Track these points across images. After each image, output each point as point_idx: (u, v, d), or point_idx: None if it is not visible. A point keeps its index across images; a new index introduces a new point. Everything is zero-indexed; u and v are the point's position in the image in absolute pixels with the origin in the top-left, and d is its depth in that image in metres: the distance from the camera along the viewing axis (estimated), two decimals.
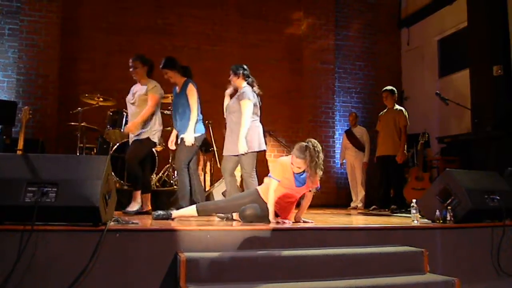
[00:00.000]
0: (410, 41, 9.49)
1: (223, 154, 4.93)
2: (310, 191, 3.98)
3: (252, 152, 4.72)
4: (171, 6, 8.43)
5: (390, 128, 6.54)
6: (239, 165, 4.83)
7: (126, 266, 2.91)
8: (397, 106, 6.72)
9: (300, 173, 3.84)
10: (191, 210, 4.02)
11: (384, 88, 6.83)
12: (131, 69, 5.00)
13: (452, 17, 8.29)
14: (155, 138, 4.98)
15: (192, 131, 4.86)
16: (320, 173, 3.84)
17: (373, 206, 6.84)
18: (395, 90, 6.77)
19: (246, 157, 4.69)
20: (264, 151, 5.18)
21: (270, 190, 3.82)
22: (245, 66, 5.17)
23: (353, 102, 9.31)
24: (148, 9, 8.31)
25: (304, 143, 3.78)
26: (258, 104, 5.04)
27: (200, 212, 3.99)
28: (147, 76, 5.04)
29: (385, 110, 6.80)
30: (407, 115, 6.54)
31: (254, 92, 5.01)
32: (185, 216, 4.02)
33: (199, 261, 2.85)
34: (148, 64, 5.05)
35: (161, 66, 5.04)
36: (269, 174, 3.94)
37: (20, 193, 2.79)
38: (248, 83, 5.04)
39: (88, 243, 2.81)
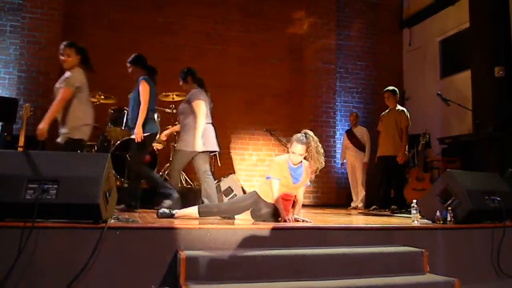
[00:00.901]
0: (412, 41, 9.48)
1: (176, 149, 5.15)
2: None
3: (205, 151, 4.99)
4: (173, 5, 8.43)
5: (392, 129, 6.53)
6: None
7: (126, 263, 2.91)
8: (399, 107, 6.71)
9: (296, 166, 3.93)
10: (194, 211, 4.04)
11: (386, 88, 6.82)
12: (62, 57, 4.50)
13: (454, 18, 8.28)
14: (77, 135, 4.46)
15: (139, 127, 4.82)
16: (322, 159, 3.91)
17: (374, 206, 6.84)
18: (397, 91, 6.76)
19: (199, 156, 4.93)
20: (216, 152, 5.27)
21: (275, 191, 3.88)
22: (193, 70, 5.34)
23: (354, 102, 9.31)
24: (150, 7, 8.32)
25: (301, 133, 3.93)
26: (209, 106, 5.26)
27: (201, 214, 4.01)
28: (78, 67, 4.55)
29: (387, 111, 6.80)
30: (408, 116, 6.54)
31: (206, 94, 5.25)
32: (187, 216, 4.03)
33: (199, 260, 2.85)
34: (82, 55, 4.56)
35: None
36: (267, 176, 3.98)
37: (21, 190, 2.79)
38: (198, 85, 5.25)
39: (88, 240, 2.81)
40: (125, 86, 7.63)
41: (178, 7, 8.44)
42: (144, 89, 4.91)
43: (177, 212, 4.03)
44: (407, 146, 6.48)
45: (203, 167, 5.03)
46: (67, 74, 4.48)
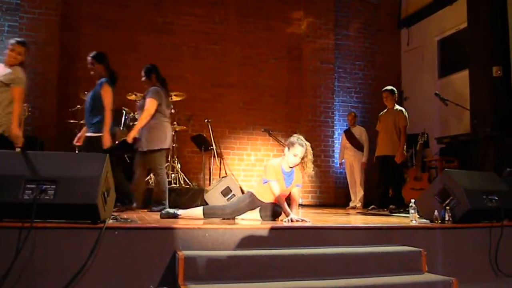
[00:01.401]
0: (410, 41, 9.49)
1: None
2: (297, 186, 4.16)
3: (160, 149, 5.04)
4: (171, 4, 8.43)
5: (390, 128, 6.54)
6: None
7: (125, 264, 2.91)
8: (397, 106, 6.71)
9: (290, 171, 4.04)
10: (198, 212, 4.06)
11: (384, 88, 6.82)
12: (11, 52, 4.47)
13: (452, 18, 8.29)
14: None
15: (107, 134, 4.79)
16: (311, 166, 4.06)
17: (372, 206, 6.84)
18: (395, 90, 6.76)
19: (153, 154, 5.01)
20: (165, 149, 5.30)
21: (276, 193, 3.95)
22: (157, 68, 5.37)
23: (353, 101, 9.32)
24: (148, 7, 8.31)
25: (296, 135, 4.08)
26: (168, 104, 5.32)
27: (206, 215, 4.03)
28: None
29: (385, 110, 6.80)
30: (407, 116, 6.54)
31: (167, 92, 5.32)
32: (191, 216, 4.05)
33: (197, 260, 2.85)
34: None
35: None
36: (264, 180, 4.04)
37: (19, 190, 2.79)
38: (160, 84, 5.26)
39: (86, 240, 2.81)
40: (124, 87, 7.63)
41: (176, 6, 8.44)
42: (108, 93, 4.86)
43: (182, 213, 4.05)
44: (405, 146, 6.49)
45: (154, 164, 5.09)
46: None
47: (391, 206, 6.19)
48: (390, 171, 6.47)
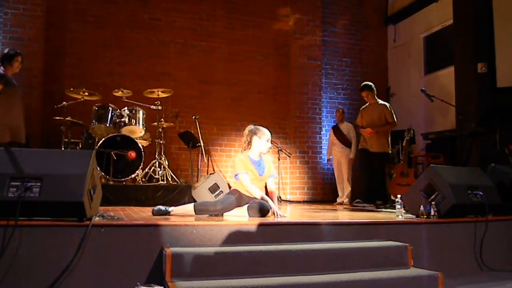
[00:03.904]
0: (397, 38, 9.56)
1: None
2: (271, 177, 4.25)
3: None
4: (158, 0, 8.37)
5: (375, 123, 6.43)
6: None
7: (112, 261, 2.90)
8: (380, 101, 6.59)
9: (259, 160, 4.17)
10: (189, 208, 4.07)
11: (362, 86, 6.60)
12: None
13: (438, 15, 8.37)
14: None
15: None
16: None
17: (357, 200, 6.89)
18: (372, 85, 6.53)
19: None
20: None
21: (248, 185, 4.01)
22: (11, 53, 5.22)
23: (340, 98, 9.35)
24: (135, 3, 8.24)
25: (250, 125, 4.26)
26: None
27: (197, 212, 4.03)
28: None
29: (367, 104, 6.67)
30: (392, 111, 6.49)
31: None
32: (183, 213, 4.05)
33: (185, 256, 2.85)
34: None
35: None
36: (235, 175, 4.10)
37: (3, 188, 2.75)
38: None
39: (73, 238, 2.79)
40: (110, 83, 7.60)
41: (163, 2, 8.39)
42: None
43: (173, 209, 4.06)
44: (389, 140, 6.42)
45: None
46: None
47: (377, 202, 6.21)
48: (375, 167, 6.37)
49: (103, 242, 2.89)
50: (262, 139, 4.11)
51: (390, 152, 6.49)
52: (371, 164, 6.40)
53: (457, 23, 7.22)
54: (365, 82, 6.67)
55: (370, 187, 6.47)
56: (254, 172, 4.10)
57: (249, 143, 4.15)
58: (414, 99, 8.55)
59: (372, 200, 6.38)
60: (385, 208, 5.92)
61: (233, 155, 8.53)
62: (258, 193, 4.03)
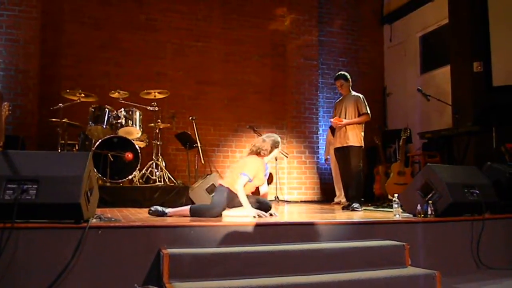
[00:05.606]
0: (393, 37, 9.58)
1: None
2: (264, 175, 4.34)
3: None
4: (154, 1, 8.35)
5: (349, 117, 5.69)
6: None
7: (109, 263, 2.89)
8: (354, 92, 5.94)
9: (267, 163, 4.35)
10: (185, 210, 4.05)
11: (337, 76, 6.03)
12: None
13: (433, 14, 8.39)
14: None
15: None
16: None
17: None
18: (348, 75, 5.98)
19: None
20: None
21: (241, 189, 3.96)
22: None
23: (337, 98, 9.28)
24: (131, 4, 8.22)
25: (270, 135, 4.37)
26: None
27: (193, 214, 4.01)
28: None
29: (340, 98, 6.10)
30: (365, 102, 5.79)
31: None
32: (180, 215, 4.04)
33: (182, 257, 2.85)
34: None
35: None
36: (242, 173, 4.02)
37: (0, 190, 2.75)
38: None
39: (70, 240, 2.79)
40: (106, 84, 7.58)
41: (159, 3, 8.37)
42: None
43: (170, 211, 4.05)
44: (362, 134, 5.65)
45: None
46: None
47: (353, 205, 5.34)
48: (351, 162, 5.50)
49: (101, 244, 2.88)
50: (278, 149, 4.32)
51: (362, 146, 5.64)
52: (348, 160, 5.59)
53: (452, 22, 7.24)
54: (341, 72, 6.17)
55: (347, 184, 5.73)
56: (261, 177, 4.18)
57: (270, 152, 4.25)
58: (411, 99, 8.56)
59: (349, 199, 5.68)
60: (382, 207, 5.89)
61: (230, 156, 8.53)
62: (244, 200, 3.95)
